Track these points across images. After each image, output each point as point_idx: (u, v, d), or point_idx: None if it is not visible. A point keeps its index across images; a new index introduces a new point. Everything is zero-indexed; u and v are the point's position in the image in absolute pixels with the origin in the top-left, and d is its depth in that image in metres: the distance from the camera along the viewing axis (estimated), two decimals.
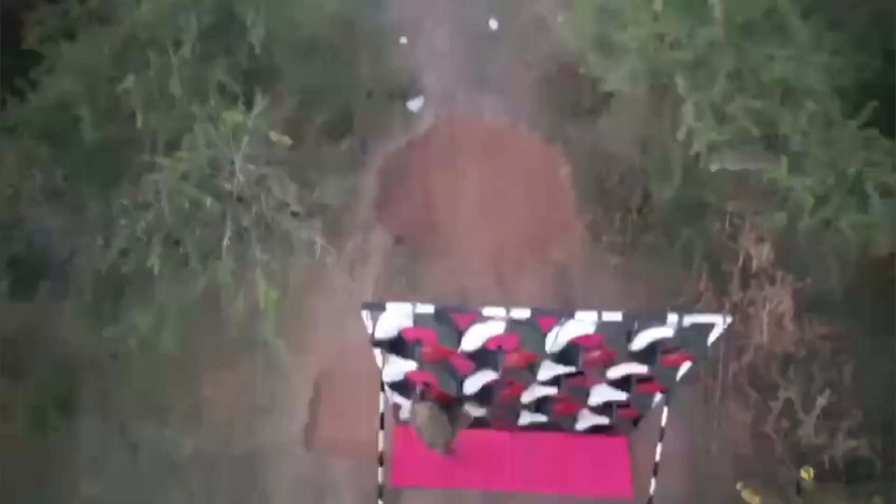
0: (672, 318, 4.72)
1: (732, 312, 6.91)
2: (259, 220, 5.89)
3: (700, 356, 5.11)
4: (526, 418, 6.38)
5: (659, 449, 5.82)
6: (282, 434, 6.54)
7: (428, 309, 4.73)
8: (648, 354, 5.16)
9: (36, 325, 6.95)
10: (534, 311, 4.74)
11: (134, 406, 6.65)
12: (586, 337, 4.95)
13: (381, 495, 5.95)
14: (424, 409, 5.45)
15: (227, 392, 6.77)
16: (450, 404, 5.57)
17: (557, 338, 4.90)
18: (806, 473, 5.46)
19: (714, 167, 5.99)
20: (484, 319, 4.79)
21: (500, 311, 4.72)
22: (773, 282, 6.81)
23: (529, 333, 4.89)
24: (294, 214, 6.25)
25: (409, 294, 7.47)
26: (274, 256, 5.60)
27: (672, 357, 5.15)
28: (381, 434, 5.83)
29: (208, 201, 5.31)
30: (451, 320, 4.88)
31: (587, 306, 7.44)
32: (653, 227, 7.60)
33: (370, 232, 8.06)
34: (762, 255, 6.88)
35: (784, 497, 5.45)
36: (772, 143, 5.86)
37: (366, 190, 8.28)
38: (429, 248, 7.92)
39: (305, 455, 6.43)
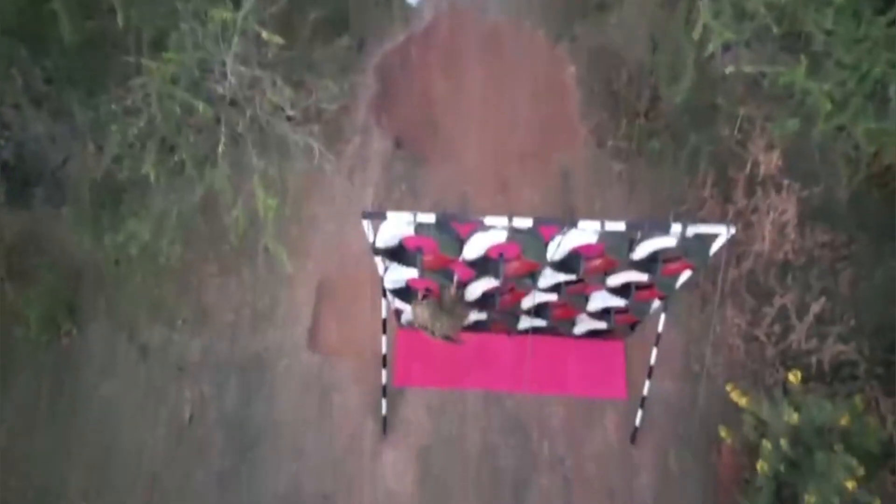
0: (676, 228, 4.67)
1: (736, 220, 6.96)
2: (254, 126, 5.70)
3: (701, 265, 5.12)
4: (525, 323, 6.51)
5: (654, 353, 5.98)
6: (286, 338, 6.70)
7: (429, 218, 4.68)
8: (649, 263, 5.17)
9: (38, 233, 6.95)
10: (536, 221, 4.68)
11: (141, 311, 6.78)
12: (588, 246, 4.94)
13: (385, 395, 6.20)
14: (426, 308, 5.44)
15: (231, 298, 6.88)
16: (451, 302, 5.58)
17: (559, 247, 4.88)
18: (793, 376, 5.64)
19: (728, 69, 5.71)
20: (486, 228, 4.74)
21: (502, 220, 4.67)
22: (778, 189, 6.73)
23: (531, 242, 4.87)
24: (289, 119, 6.05)
25: (409, 200, 7.43)
26: (271, 163, 5.46)
27: (673, 266, 5.16)
28: (383, 338, 5.99)
29: (200, 106, 5.10)
30: (452, 229, 4.84)
31: (590, 213, 7.53)
32: (660, 132, 7.39)
33: (369, 136, 7.86)
34: (770, 161, 6.75)
35: (771, 398, 5.66)
36: (791, 43, 5.56)
37: (363, 91, 7.99)
38: (429, 152, 7.75)
39: (310, 358, 6.62)
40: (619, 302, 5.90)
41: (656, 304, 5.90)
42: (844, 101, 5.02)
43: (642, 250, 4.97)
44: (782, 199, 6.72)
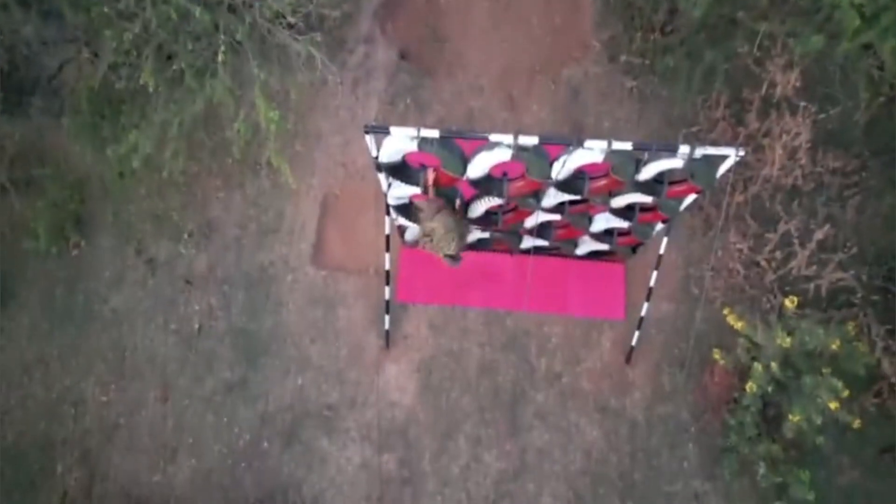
0: (683, 149, 4.56)
1: (746, 142, 6.81)
2: (254, 34, 5.48)
3: (708, 188, 5.05)
4: (527, 242, 6.54)
5: (654, 275, 6.03)
6: (291, 252, 6.77)
7: (433, 133, 4.58)
8: (655, 185, 5.10)
9: (40, 143, 6.89)
10: (541, 139, 4.58)
11: (147, 224, 6.82)
12: (593, 165, 4.85)
13: (388, 310, 6.33)
14: (440, 225, 5.25)
15: (236, 212, 6.89)
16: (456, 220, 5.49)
17: (564, 166, 4.79)
18: (789, 302, 5.71)
19: None
20: (490, 146, 4.65)
21: (506, 138, 4.57)
22: (793, 112, 6.53)
23: (536, 161, 4.78)
24: (290, 27, 5.81)
25: (414, 114, 7.27)
26: (272, 73, 5.30)
27: (679, 188, 5.09)
28: (386, 255, 6.05)
29: (197, 11, 4.88)
30: (456, 146, 4.75)
31: (598, 132, 7.37)
32: (675, 48, 7.06)
33: (373, 46, 7.58)
34: (788, 82, 6.51)
35: (766, 322, 5.76)
36: None
37: None
38: (435, 65, 7.50)
39: (315, 273, 6.72)
40: (622, 223, 5.88)
41: (659, 226, 5.88)
42: (875, 16, 4.75)
43: (648, 171, 4.89)
44: (796, 121, 6.53)
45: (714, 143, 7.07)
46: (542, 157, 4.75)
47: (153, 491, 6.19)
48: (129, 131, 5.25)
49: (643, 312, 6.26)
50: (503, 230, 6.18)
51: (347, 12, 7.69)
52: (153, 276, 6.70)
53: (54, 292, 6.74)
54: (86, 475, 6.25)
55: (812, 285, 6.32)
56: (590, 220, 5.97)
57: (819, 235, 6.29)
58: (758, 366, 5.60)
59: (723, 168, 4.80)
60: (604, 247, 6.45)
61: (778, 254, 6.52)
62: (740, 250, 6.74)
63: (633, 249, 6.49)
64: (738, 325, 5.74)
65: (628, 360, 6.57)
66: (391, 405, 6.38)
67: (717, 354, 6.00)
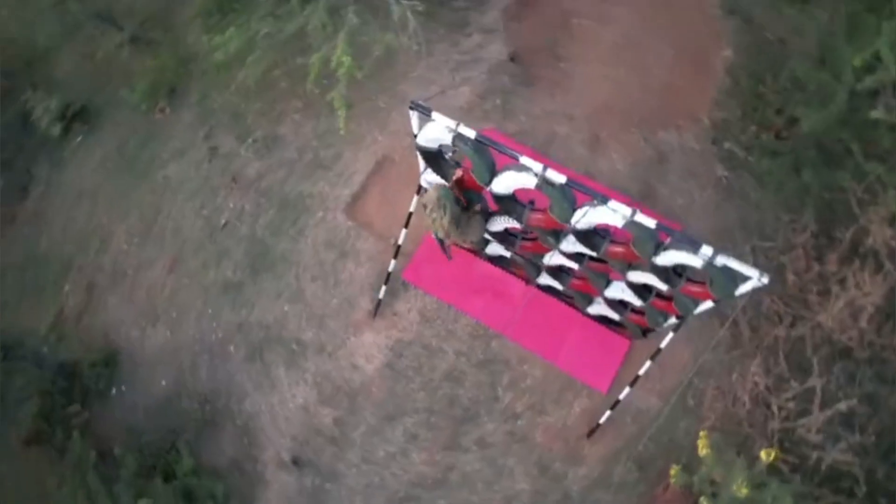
0: (706, 250, 4.28)
1: (817, 282, 6.25)
2: None
3: (724, 299, 4.70)
4: (545, 279, 6.39)
5: (647, 365, 5.72)
6: (331, 193, 7.01)
7: (470, 133, 4.57)
8: (673, 274, 4.83)
9: (168, 15, 7.53)
10: (569, 181, 4.46)
11: (224, 117, 7.30)
12: (615, 228, 4.66)
13: (386, 282, 6.44)
14: (448, 205, 5.11)
15: (302, 137, 7.22)
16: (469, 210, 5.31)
17: (585, 216, 4.64)
18: (765, 454, 5.22)
19: (877, 114, 4.90)
20: (518, 168, 4.58)
21: (536, 166, 4.48)
22: (877, 269, 5.91)
23: (559, 200, 4.65)
24: None
25: (497, 116, 7.25)
26: (366, 25, 5.46)
27: (695, 288, 4.79)
28: (403, 231, 6.14)
29: None
30: (488, 155, 4.72)
31: (669, 205, 7.00)
32: (782, 155, 6.57)
33: (490, 38, 7.61)
34: (882, 235, 5.88)
35: (734, 462, 5.31)
36: None
37: None
38: (539, 78, 7.42)
39: (343, 220, 6.92)
40: (635, 300, 5.61)
41: (672, 319, 5.56)
42: None
43: (667, 258, 4.63)
44: (875, 280, 5.91)
45: (782, 267, 6.56)
46: (566, 198, 4.62)
47: (127, 342, 6.72)
48: (228, 27, 5.61)
49: (622, 396, 5.96)
50: (522, 255, 6.08)
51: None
52: (209, 163, 7.19)
53: (128, 141, 7.40)
54: (82, 304, 6.89)
55: (815, 454, 5.75)
56: (607, 283, 5.74)
57: (843, 407, 5.68)
58: (704, 501, 5.19)
59: (744, 287, 4.45)
60: (615, 316, 6.18)
61: (793, 405, 5.97)
62: (756, 384, 6.23)
63: (644, 332, 6.17)
64: (704, 452, 5.33)
65: (590, 434, 6.29)
66: (353, 367, 6.51)
67: (673, 471, 5.61)
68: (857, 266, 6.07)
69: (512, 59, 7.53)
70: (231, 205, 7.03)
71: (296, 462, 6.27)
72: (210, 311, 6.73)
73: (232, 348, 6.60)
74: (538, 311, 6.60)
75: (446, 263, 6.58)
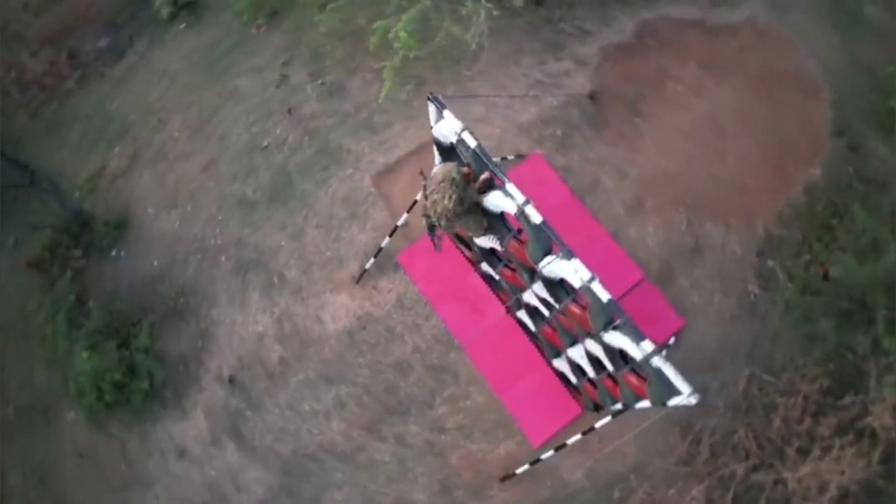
0: (646, 346, 4.07)
1: (802, 438, 5.78)
2: None
3: (655, 403, 4.44)
4: (522, 315, 6.29)
5: (575, 438, 5.53)
6: (368, 156, 7.18)
7: (471, 142, 4.56)
8: (619, 358, 4.62)
9: None
10: (544, 223, 4.36)
11: (307, 53, 7.65)
12: (577, 289, 4.52)
13: (376, 255, 6.57)
14: (443, 169, 4.93)
15: (365, 96, 7.40)
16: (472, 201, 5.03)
17: (550, 265, 4.53)
18: None
19: None
20: (505, 192, 4.53)
21: (519, 197, 4.41)
22: (865, 452, 5.39)
23: (533, 240, 4.56)
24: None
25: (550, 145, 7.13)
26: (438, 12, 5.49)
27: (635, 381, 4.56)
28: (405, 214, 6.22)
29: None
30: (484, 166, 4.68)
31: (681, 295, 6.63)
32: (819, 294, 6.05)
33: (581, 70, 7.47)
34: (882, 422, 5.36)
35: None
36: None
37: (614, 32, 7.55)
38: (611, 125, 7.21)
39: (367, 185, 7.08)
40: (591, 370, 5.41)
41: (618, 405, 5.31)
42: None
43: (613, 338, 4.44)
44: (856, 462, 5.41)
45: (773, 407, 6.08)
46: (538, 239, 4.53)
47: (142, 217, 7.24)
48: None
49: (543, 456, 5.79)
50: (505, 280, 6.00)
51: (587, 30, 7.65)
52: (276, 88, 7.55)
53: (220, 43, 7.91)
54: (122, 169, 7.48)
55: None
56: (572, 342, 5.58)
57: None
58: None
59: (675, 400, 4.20)
60: (573, 379, 5.99)
61: None
62: None
63: (595, 406, 5.93)
64: None
65: (503, 479, 6.15)
66: (317, 320, 6.70)
67: None
68: (850, 440, 5.57)
69: (591, 96, 7.35)
70: (278, 132, 7.36)
71: (231, 380, 6.56)
72: (220, 217, 7.11)
73: (223, 258, 6.96)
74: (507, 341, 6.49)
75: (442, 262, 6.59)
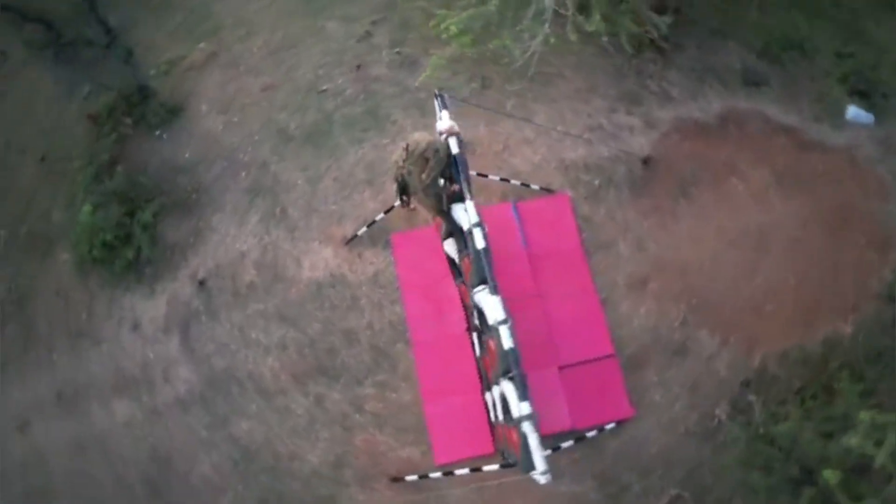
0: (525, 407, 3.94)
1: None
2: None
3: (520, 470, 4.29)
4: (475, 338, 6.23)
5: (463, 471, 5.45)
6: (410, 129, 7.23)
7: (454, 147, 4.56)
8: (508, 410, 4.50)
9: None
10: (485, 251, 4.29)
11: (395, 20, 7.81)
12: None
13: (369, 226, 6.71)
14: (427, 139, 5.00)
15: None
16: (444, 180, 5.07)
17: (479, 294, 4.47)
18: None
19: None
20: (464, 207, 4.49)
21: (473, 216, 4.37)
22: None
23: (475, 264, 4.52)
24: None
25: (584, 191, 6.94)
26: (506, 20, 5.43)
27: (515, 438, 4.43)
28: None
29: None
30: (460, 172, 4.65)
31: (640, 389, 6.31)
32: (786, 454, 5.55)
33: (646, 130, 7.20)
34: None
35: None
36: None
37: (678, 106, 7.28)
38: (654, 195, 6.90)
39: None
40: (500, 412, 5.30)
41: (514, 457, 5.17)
42: None
43: (506, 389, 4.33)
44: None
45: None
46: (478, 265, 4.47)
47: (195, 111, 7.67)
48: None
49: (433, 475, 5.77)
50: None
51: (672, 96, 7.34)
52: (356, 42, 7.78)
53: None
54: (199, 63, 7.98)
55: None
56: (496, 379, 5.46)
57: None
58: None
59: (532, 473, 4.05)
60: (493, 416, 5.88)
61: None
62: None
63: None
64: None
65: (395, 480, 6.15)
66: (296, 262, 6.92)
67: None
68: None
69: (645, 161, 7.06)
70: (339, 81, 7.60)
71: (202, 283, 6.95)
72: (257, 138, 7.47)
73: (244, 174, 7.33)
74: (454, 356, 6.44)
75: (430, 258, 6.62)
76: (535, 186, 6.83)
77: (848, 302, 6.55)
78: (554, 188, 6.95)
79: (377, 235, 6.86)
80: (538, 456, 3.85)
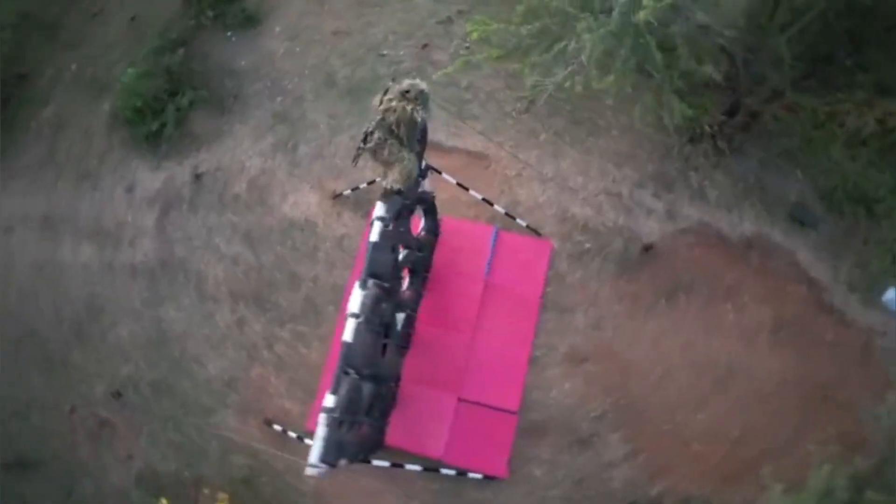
0: (329, 399, 3.94)
1: None
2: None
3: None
4: None
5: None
6: (434, 124, 7.24)
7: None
8: None
9: None
10: (370, 244, 4.30)
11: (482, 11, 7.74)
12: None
13: (353, 189, 6.86)
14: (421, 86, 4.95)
15: (488, 79, 7.43)
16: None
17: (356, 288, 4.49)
18: None
19: None
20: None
21: (380, 210, 4.38)
22: None
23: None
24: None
25: (568, 251, 6.70)
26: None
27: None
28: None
29: None
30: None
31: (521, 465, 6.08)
32: None
33: (666, 218, 6.79)
34: None
35: None
36: None
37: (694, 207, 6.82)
38: (639, 280, 6.57)
39: None
40: None
41: None
42: None
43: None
44: None
45: None
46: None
47: (268, 26, 8.08)
48: None
49: (291, 434, 5.90)
50: None
51: (707, 197, 6.89)
52: (435, 23, 7.86)
53: None
54: None
55: None
56: None
57: None
58: None
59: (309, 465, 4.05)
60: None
61: None
62: None
63: None
64: None
65: (266, 422, 6.36)
66: (283, 196, 7.24)
67: None
68: None
69: (647, 248, 6.70)
70: (401, 53, 7.72)
71: (198, 177, 7.41)
72: (306, 73, 7.76)
73: (279, 99, 7.67)
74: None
75: None
76: (521, 222, 6.68)
77: (781, 481, 5.93)
78: (542, 233, 6.76)
79: (362, 204, 6.99)
80: (315, 450, 3.85)
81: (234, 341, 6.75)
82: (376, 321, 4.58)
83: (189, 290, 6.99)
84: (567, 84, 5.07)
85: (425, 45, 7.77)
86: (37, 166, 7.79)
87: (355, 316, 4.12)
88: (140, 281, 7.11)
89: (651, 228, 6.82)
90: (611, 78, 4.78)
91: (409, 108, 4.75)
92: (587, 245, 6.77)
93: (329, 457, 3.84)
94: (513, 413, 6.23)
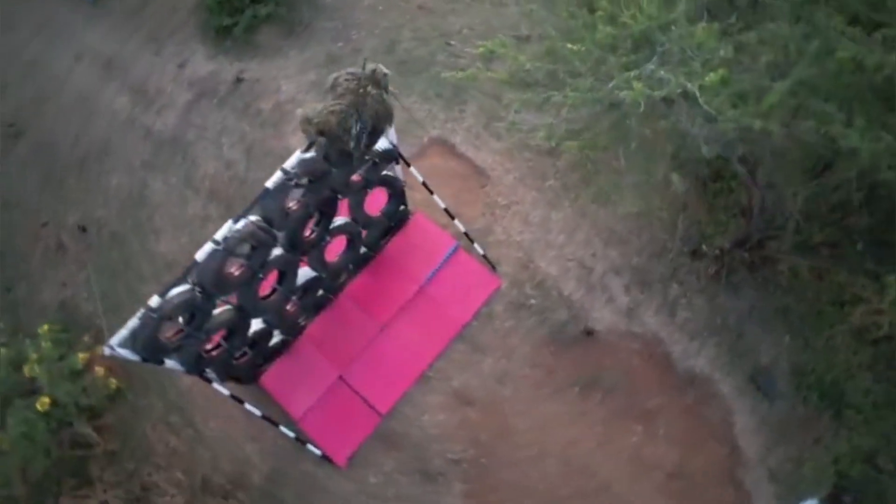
0: (154, 300, 4.15)
1: None
2: None
3: None
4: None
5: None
6: (458, 131, 7.29)
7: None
8: None
9: None
10: (267, 190, 4.44)
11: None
12: None
13: None
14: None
15: None
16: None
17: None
18: None
19: None
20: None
21: (290, 161, 4.51)
22: None
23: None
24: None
25: (515, 301, 6.53)
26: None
27: None
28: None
29: None
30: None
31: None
32: None
33: (623, 312, 6.40)
34: None
35: None
36: None
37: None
38: (559, 364, 6.27)
39: (424, 140, 7.31)
40: None
41: None
42: None
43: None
44: None
45: None
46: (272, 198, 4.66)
47: None
48: None
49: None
50: None
51: (674, 312, 6.44)
52: (510, 34, 7.66)
53: None
54: None
55: None
56: None
57: None
58: None
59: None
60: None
61: None
62: None
63: None
64: None
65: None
66: (281, 134, 7.52)
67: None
68: None
69: (588, 332, 6.39)
70: (466, 48, 7.52)
71: (238, 80, 7.87)
72: (375, 32, 7.87)
73: (340, 45, 7.90)
74: None
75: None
76: (478, 248, 6.57)
77: None
78: (498, 269, 6.62)
79: None
80: (119, 334, 4.09)
81: (192, 232, 7.17)
82: (257, 262, 4.78)
83: (180, 172, 7.50)
84: (540, 135, 4.92)
85: (492, 52, 7.73)
86: (126, 15, 8.59)
87: (215, 242, 4.30)
88: (148, 145, 7.71)
89: (603, 316, 6.48)
90: (574, 143, 4.59)
91: (375, 91, 4.80)
92: (532, 301, 6.56)
93: (125, 346, 4.07)
94: (379, 414, 6.22)
